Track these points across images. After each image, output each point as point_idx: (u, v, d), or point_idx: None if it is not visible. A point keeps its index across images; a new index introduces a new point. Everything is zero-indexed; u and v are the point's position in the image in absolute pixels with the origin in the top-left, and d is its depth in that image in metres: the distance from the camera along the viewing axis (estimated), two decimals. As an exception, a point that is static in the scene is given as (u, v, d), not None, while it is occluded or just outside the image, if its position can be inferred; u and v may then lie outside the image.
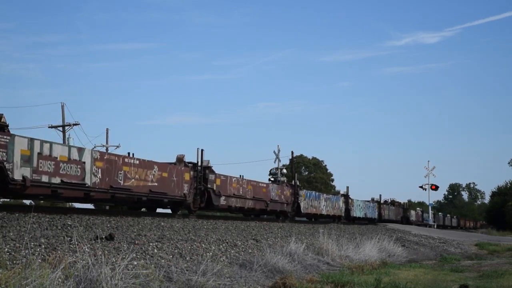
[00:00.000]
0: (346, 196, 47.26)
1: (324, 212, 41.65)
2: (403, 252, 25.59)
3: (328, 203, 42.93)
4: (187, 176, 24.77)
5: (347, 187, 48.58)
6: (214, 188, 26.80)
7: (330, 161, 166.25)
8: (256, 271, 14.28)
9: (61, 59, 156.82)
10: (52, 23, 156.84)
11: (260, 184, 31.92)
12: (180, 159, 25.25)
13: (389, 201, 65.65)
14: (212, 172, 26.74)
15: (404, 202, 70.96)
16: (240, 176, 30.33)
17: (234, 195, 28.71)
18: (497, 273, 18.00)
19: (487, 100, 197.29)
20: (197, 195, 25.81)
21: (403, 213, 68.17)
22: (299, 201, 36.97)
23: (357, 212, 49.38)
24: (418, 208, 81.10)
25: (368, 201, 56.53)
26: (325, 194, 44.08)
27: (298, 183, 37.95)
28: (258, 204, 31.29)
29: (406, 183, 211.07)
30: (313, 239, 22.62)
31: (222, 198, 27.50)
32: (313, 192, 41.66)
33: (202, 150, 26.30)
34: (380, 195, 59.74)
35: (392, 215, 62.61)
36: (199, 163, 26.10)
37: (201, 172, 26.08)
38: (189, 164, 25.56)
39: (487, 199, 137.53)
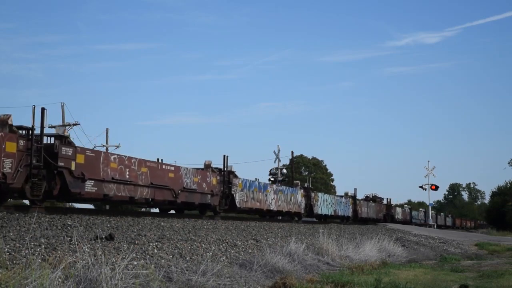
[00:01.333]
0: (307, 189, 39.78)
1: (273, 208, 33.33)
2: (403, 252, 25.59)
3: (280, 196, 34.73)
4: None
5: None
6: (73, 169, 18.71)
7: (330, 161, 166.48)
8: (256, 271, 14.28)
9: (61, 59, 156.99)
10: (52, 23, 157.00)
11: (164, 166, 23.68)
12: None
13: (371, 196, 57.96)
14: (67, 144, 18.83)
15: (388, 198, 62.63)
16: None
17: (113, 180, 20.47)
18: (497, 273, 18.00)
19: (487, 100, 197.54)
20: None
21: (387, 210, 60.62)
22: (232, 192, 28.96)
23: (323, 209, 41.86)
24: (406, 206, 74.84)
25: (340, 196, 49.55)
26: (275, 185, 35.50)
27: (232, 169, 29.52)
28: (160, 193, 23.09)
29: (406, 183, 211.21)
30: (313, 239, 22.62)
31: (90, 183, 19.45)
32: (256, 181, 32.17)
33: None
34: (356, 189, 52.11)
35: (372, 212, 54.42)
36: None
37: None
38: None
39: (487, 199, 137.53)
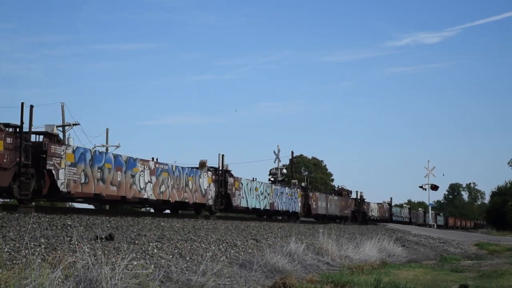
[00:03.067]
0: (219, 172, 27.96)
1: (148, 196, 22.45)
2: (403, 252, 25.59)
3: (170, 180, 23.89)
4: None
5: (222, 156, 28.12)
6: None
7: (330, 161, 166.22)
8: (256, 271, 14.28)
9: (61, 59, 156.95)
10: (52, 23, 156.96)
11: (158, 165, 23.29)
12: None
13: (337, 188, 50.20)
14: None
15: (359, 192, 51.23)
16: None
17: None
18: (497, 273, 18.01)
19: (487, 100, 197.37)
20: None
21: (356, 206, 49.43)
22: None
23: (249, 201, 30.42)
24: (384, 201, 63.60)
25: (282, 186, 37.36)
26: (152, 161, 23.30)
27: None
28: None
29: (406, 183, 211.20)
30: (313, 239, 22.62)
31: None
32: (121, 156, 21.54)
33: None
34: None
35: (335, 208, 43.81)
36: None
37: None
38: None
39: (487, 199, 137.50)
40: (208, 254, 14.79)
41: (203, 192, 26.33)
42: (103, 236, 13.38)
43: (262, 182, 32.99)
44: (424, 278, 16.47)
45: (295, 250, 17.88)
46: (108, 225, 16.17)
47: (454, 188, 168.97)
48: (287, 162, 67.03)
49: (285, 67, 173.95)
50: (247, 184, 30.60)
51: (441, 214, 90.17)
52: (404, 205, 74.69)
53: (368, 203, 53.85)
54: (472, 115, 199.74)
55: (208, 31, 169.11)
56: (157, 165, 23.25)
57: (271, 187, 34.07)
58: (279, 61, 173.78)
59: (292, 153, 59.57)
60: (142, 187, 22.26)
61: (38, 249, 11.04)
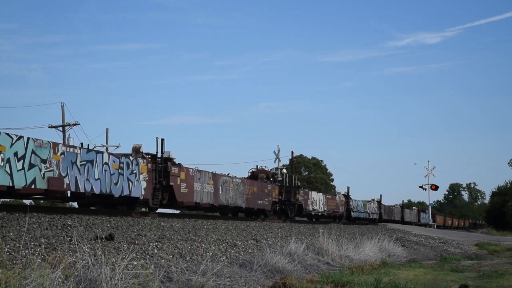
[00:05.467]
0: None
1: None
2: (403, 252, 25.60)
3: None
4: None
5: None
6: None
7: (330, 161, 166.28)
8: (256, 271, 14.29)
9: (62, 59, 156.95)
10: (52, 24, 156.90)
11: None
12: None
13: (256, 169, 35.81)
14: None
15: (285, 173, 37.75)
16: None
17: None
18: (497, 273, 18.00)
19: (487, 100, 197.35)
20: None
21: (281, 195, 35.08)
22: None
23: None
24: (339, 191, 51.47)
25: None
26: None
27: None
28: None
29: (406, 183, 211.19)
30: (313, 239, 22.63)
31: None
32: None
33: None
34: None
35: (237, 197, 29.34)
36: None
37: None
38: None
39: (487, 199, 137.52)
40: (208, 254, 14.80)
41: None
42: (103, 236, 13.39)
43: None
44: (424, 278, 16.47)
45: (295, 250, 17.89)
46: (108, 225, 16.17)
47: (454, 188, 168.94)
48: (287, 162, 67.06)
49: (285, 67, 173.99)
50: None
51: (426, 211, 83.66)
52: (373, 199, 57.44)
53: (307, 191, 39.90)
54: (473, 115, 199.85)
55: (208, 31, 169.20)
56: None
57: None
58: (279, 61, 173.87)
59: (292, 153, 59.47)
60: None
61: (38, 249, 11.04)
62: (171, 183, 23.73)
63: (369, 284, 13.47)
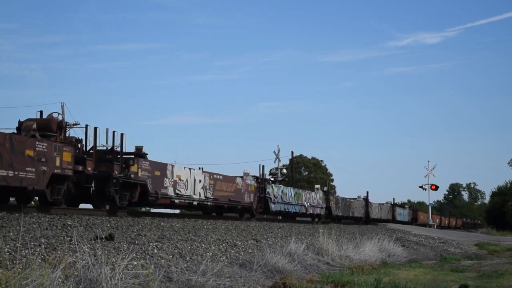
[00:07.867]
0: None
1: None
2: (403, 252, 25.60)
3: None
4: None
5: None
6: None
7: (330, 161, 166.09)
8: (256, 271, 14.29)
9: (62, 59, 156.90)
10: (52, 24, 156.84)
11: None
12: None
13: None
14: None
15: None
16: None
17: None
18: (497, 273, 18.00)
19: (488, 100, 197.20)
20: None
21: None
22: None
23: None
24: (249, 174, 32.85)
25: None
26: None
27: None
28: None
29: (406, 183, 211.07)
30: (313, 239, 22.63)
31: None
32: None
33: None
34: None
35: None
36: None
37: None
38: None
39: (487, 199, 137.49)
40: (208, 254, 14.80)
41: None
42: (103, 236, 13.39)
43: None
44: (424, 278, 16.47)
45: (295, 250, 17.89)
46: (108, 225, 16.17)
47: (454, 188, 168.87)
48: (287, 162, 67.08)
49: (285, 67, 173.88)
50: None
51: (406, 206, 71.94)
52: (317, 187, 43.63)
53: (165, 164, 23.87)
54: (473, 115, 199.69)
55: (208, 31, 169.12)
56: None
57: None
58: (279, 61, 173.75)
59: (292, 153, 59.58)
60: None
61: (38, 249, 11.04)
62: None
63: (369, 284, 13.47)
